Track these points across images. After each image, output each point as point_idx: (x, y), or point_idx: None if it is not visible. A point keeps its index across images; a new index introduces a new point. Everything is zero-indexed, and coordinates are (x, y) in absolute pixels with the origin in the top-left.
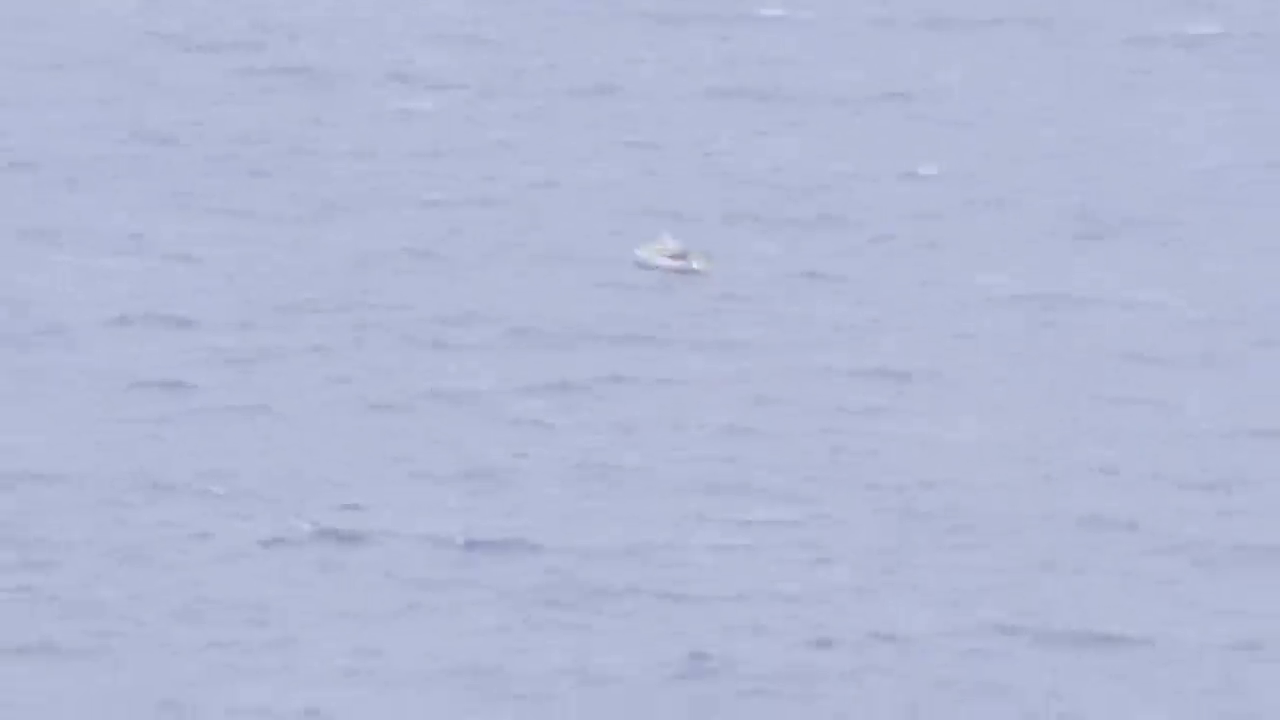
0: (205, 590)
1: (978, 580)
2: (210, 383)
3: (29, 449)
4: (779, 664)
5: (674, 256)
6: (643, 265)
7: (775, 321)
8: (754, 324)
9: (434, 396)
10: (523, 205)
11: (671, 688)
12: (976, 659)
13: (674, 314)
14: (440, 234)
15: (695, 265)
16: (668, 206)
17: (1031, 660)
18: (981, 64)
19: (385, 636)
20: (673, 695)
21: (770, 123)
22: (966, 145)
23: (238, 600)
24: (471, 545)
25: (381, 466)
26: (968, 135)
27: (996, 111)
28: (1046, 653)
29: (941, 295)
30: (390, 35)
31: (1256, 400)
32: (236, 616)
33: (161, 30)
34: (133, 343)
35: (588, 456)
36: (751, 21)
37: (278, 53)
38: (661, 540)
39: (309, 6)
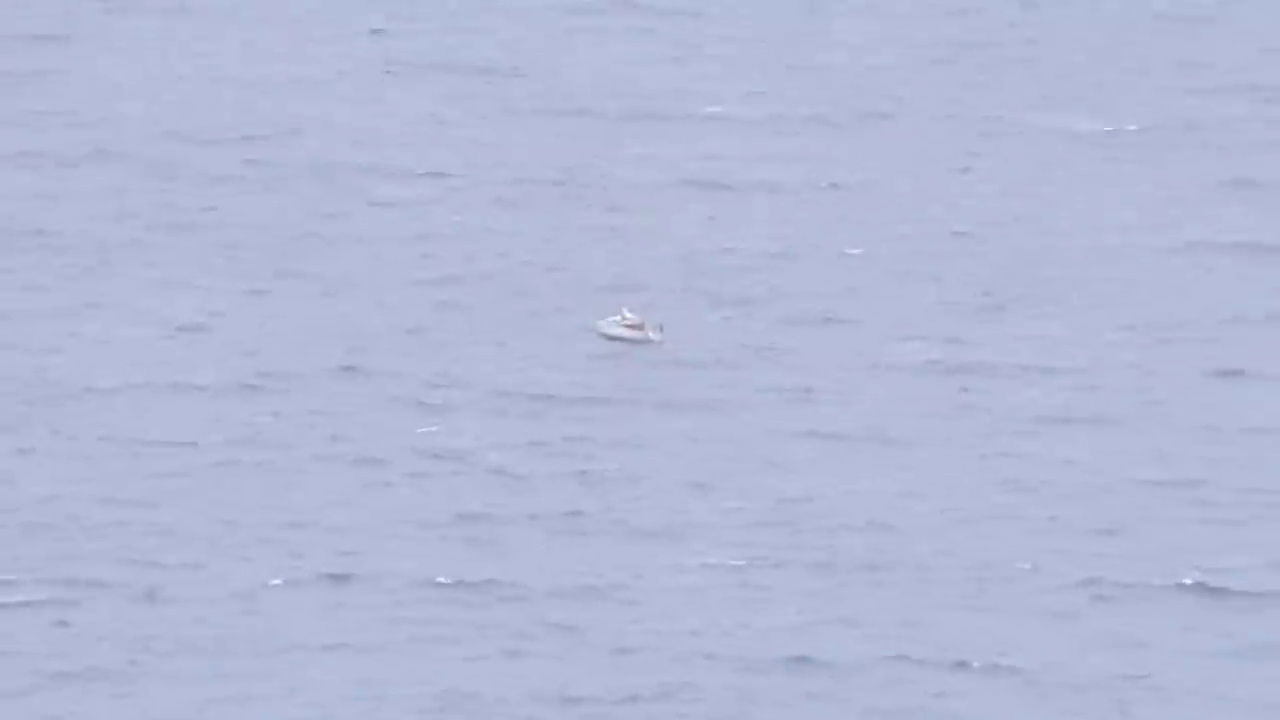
0: (218, 625)
1: (900, 616)
2: (220, 441)
3: (62, 500)
4: (725, 689)
5: (632, 327)
6: (605, 335)
7: (722, 386)
8: (703, 388)
9: (420, 453)
10: (499, 282)
11: (632, 709)
12: (898, 687)
13: (632, 379)
14: (426, 309)
15: (651, 335)
16: (627, 283)
17: (946, 687)
18: (899, 155)
19: (379, 666)
20: (633, 716)
21: (716, 209)
22: (887, 228)
23: (246, 634)
24: (456, 585)
25: (374, 515)
26: (888, 219)
27: (912, 197)
28: (960, 681)
29: (867, 362)
30: (381, 132)
31: (1142, 455)
32: (246, 649)
33: (179, 129)
34: (153, 405)
35: (557, 506)
36: (697, 120)
37: (281, 148)
38: (622, 580)
39: (307, 107)
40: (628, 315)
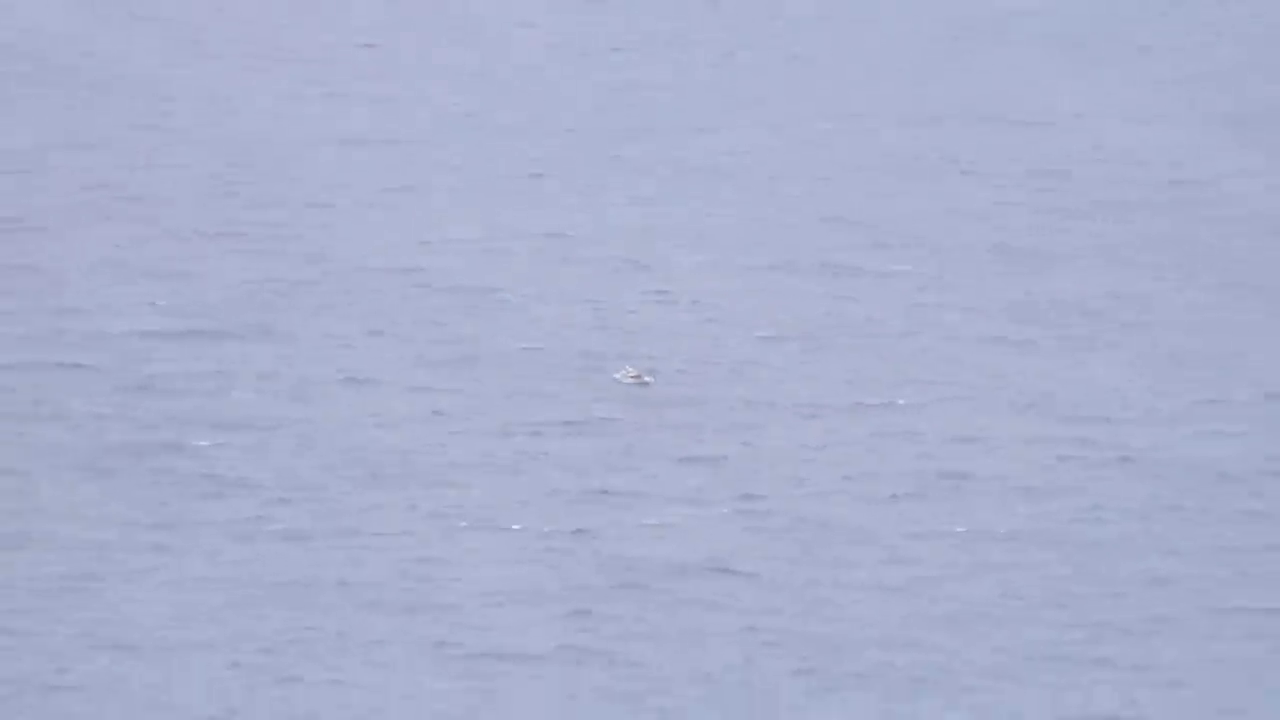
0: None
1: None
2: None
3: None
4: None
5: (634, 376)
6: (619, 381)
7: (694, 411)
8: (681, 412)
9: (505, 446)
10: (563, 357)
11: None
12: (785, 590)
13: (635, 407)
14: (517, 374)
15: (646, 379)
16: (632, 356)
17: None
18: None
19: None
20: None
21: (686, 326)
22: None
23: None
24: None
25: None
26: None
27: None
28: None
29: (786, 407)
30: (500, 282)
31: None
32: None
33: (363, 261)
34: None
35: (584, 480)
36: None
37: (439, 274)
38: (614, 519)
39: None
40: (630, 370)
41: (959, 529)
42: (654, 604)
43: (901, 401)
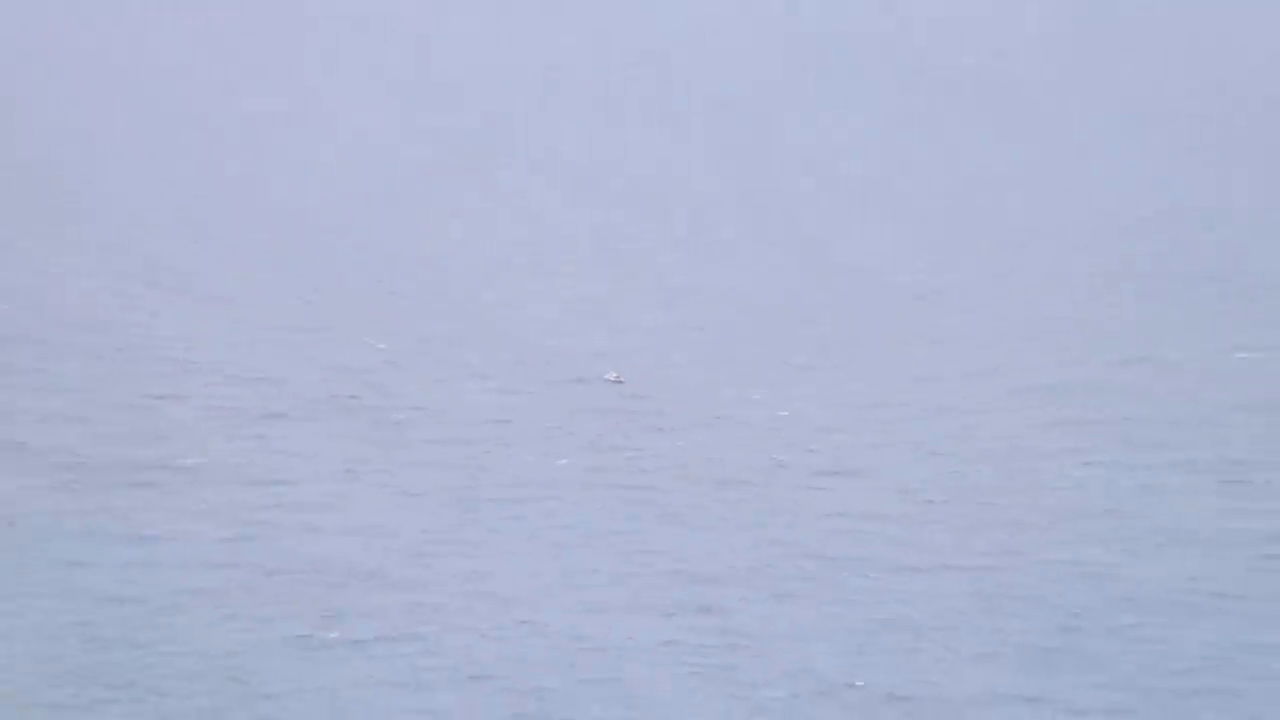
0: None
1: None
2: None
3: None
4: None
5: (615, 378)
6: (607, 380)
7: (657, 402)
8: (648, 403)
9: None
10: (572, 371)
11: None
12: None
13: (617, 397)
14: (553, 380)
15: (621, 380)
16: (615, 364)
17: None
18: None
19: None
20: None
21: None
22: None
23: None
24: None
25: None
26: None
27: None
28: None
29: (728, 403)
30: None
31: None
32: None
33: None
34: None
35: (595, 436)
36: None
37: (515, 324)
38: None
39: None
40: (613, 374)
41: (785, 460)
42: (625, 498)
43: (762, 395)
